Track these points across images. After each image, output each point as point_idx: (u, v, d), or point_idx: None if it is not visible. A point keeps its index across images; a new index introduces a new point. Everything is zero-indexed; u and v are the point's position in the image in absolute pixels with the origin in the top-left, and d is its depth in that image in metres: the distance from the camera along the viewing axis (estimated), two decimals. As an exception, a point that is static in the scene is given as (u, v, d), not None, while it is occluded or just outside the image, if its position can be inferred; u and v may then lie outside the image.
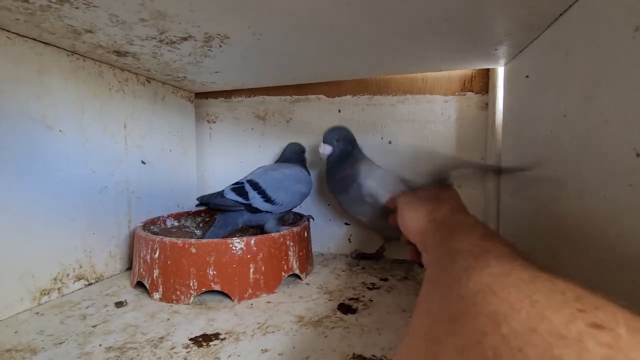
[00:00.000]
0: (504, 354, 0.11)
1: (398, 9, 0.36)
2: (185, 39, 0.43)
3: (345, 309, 0.43)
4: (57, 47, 0.45)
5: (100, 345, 0.35)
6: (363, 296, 0.48)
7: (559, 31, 0.39)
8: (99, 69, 0.52)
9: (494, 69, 0.62)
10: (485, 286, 0.14)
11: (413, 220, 0.34)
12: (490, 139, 0.63)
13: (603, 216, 0.31)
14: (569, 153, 0.37)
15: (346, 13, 0.37)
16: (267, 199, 0.54)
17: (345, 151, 0.60)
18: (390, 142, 0.70)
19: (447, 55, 0.54)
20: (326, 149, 0.59)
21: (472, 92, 0.66)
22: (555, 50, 0.40)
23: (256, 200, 0.53)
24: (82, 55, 0.49)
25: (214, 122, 0.79)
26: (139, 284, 0.49)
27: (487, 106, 0.65)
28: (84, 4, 0.34)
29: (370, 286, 0.52)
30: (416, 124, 0.69)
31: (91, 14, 0.36)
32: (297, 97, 0.74)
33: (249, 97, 0.76)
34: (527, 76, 0.49)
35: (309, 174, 0.64)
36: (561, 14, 0.38)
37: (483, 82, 0.66)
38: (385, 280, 0.54)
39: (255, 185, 0.54)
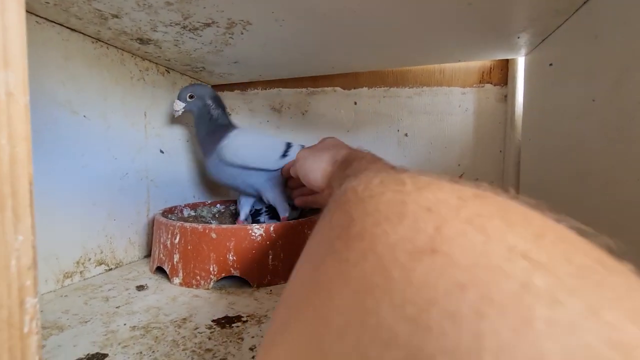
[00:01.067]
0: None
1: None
2: (208, 24, 0.44)
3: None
4: (82, 33, 0.46)
5: (124, 324, 0.35)
6: (382, 285, 0.47)
7: (587, 15, 0.39)
8: (121, 57, 0.52)
9: (513, 59, 0.62)
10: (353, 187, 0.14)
11: (317, 168, 0.35)
12: (509, 131, 0.62)
13: (637, 207, 0.31)
14: (597, 139, 0.37)
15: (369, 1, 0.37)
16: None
17: (204, 111, 0.57)
18: (406, 135, 0.69)
19: (468, 45, 0.54)
20: (177, 105, 0.56)
21: (491, 83, 0.66)
22: (583, 35, 0.40)
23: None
24: (106, 43, 0.49)
25: (230, 114, 0.79)
26: (159, 270, 0.49)
27: (506, 98, 0.64)
28: (114, -14, 0.34)
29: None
30: (433, 117, 0.68)
31: (120, -3, 0.36)
32: (312, 89, 0.74)
33: (265, 89, 0.77)
34: (550, 64, 0.48)
35: None
36: (591, -3, 0.37)
37: (502, 74, 0.65)
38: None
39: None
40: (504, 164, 0.65)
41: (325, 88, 0.73)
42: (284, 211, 0.55)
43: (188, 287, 0.45)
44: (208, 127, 0.57)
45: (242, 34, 0.47)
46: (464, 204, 0.10)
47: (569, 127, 0.43)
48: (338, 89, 0.73)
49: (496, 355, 0.07)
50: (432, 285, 0.08)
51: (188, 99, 0.56)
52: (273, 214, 0.59)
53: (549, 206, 0.11)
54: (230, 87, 0.78)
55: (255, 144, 0.57)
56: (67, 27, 0.44)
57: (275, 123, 0.77)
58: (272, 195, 0.56)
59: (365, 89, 0.71)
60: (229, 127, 0.57)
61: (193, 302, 0.41)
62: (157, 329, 0.34)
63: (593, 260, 0.09)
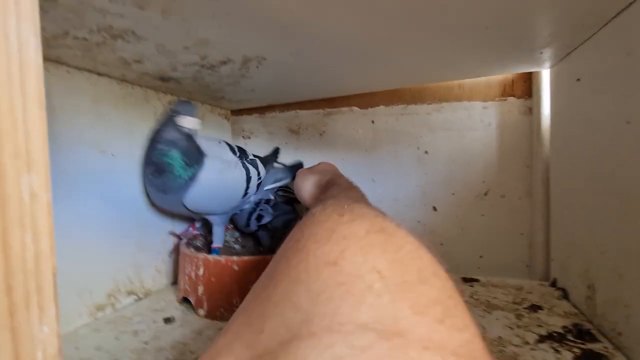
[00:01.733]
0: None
1: (441, 18, 0.35)
2: (224, 62, 0.45)
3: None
4: (109, 76, 0.48)
5: (152, 362, 0.36)
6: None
7: (618, 30, 0.37)
8: (145, 94, 0.55)
9: (537, 72, 0.59)
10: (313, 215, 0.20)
11: (305, 188, 0.44)
12: (536, 145, 0.60)
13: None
14: (635, 163, 0.34)
15: (388, 26, 0.37)
16: None
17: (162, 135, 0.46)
18: (426, 152, 0.68)
19: (488, 62, 0.52)
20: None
21: (514, 96, 0.63)
22: (613, 51, 0.37)
23: None
24: (131, 83, 0.52)
25: (249, 137, 0.81)
26: (185, 299, 0.50)
27: (531, 111, 0.62)
28: (134, 37, 0.36)
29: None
30: (453, 133, 0.66)
31: (140, 45, 0.38)
32: (329, 109, 0.74)
33: (283, 112, 0.78)
34: (578, 79, 0.46)
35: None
36: (620, 12, 0.35)
37: (525, 86, 0.63)
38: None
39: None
40: (531, 179, 0.62)
41: (342, 108, 0.73)
42: (219, 242, 0.56)
43: (213, 319, 0.46)
44: (160, 157, 0.47)
45: (257, 67, 0.48)
46: (366, 235, 0.16)
47: (602, 146, 0.41)
48: (355, 108, 0.73)
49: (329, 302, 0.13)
50: (327, 281, 0.14)
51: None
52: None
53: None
54: (249, 111, 0.80)
55: (220, 190, 0.52)
56: (95, 73, 0.47)
57: (294, 145, 0.77)
58: (218, 230, 0.56)
59: (382, 107, 0.71)
60: (189, 162, 0.48)
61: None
62: (183, 368, 0.35)
63: (417, 277, 0.14)
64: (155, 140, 0.47)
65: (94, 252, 0.46)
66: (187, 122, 0.47)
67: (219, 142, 0.57)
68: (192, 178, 0.47)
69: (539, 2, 0.33)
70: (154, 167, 0.47)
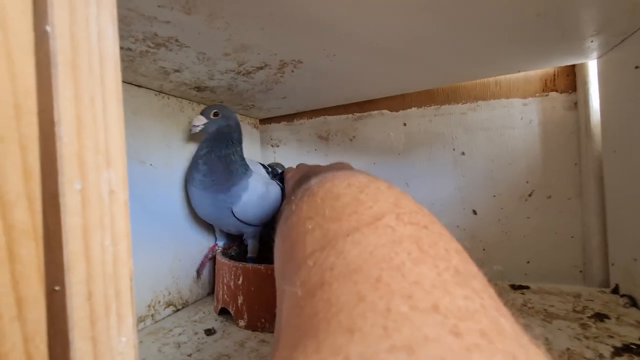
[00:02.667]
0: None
1: (490, 9, 0.34)
2: (261, 68, 0.45)
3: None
4: (147, 88, 0.49)
5: (198, 375, 0.35)
6: (458, 325, 0.43)
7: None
8: (180, 104, 0.56)
9: (582, 64, 0.56)
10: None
11: (290, 181, 0.42)
12: (584, 141, 0.56)
13: None
14: None
15: (433, 23, 0.35)
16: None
17: (225, 132, 0.50)
18: (463, 154, 0.65)
19: (530, 55, 0.49)
20: (197, 120, 0.50)
21: (556, 91, 0.60)
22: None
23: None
24: (167, 94, 0.53)
25: (278, 145, 0.81)
26: (223, 310, 0.49)
27: (577, 106, 0.58)
28: (177, 45, 0.36)
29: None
30: (492, 132, 0.64)
31: (182, 54, 0.38)
32: (359, 114, 0.73)
33: (311, 118, 0.77)
34: (637, 67, 0.42)
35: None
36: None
37: (568, 80, 0.59)
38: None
39: None
40: (581, 178, 0.58)
41: (372, 112, 0.72)
42: (253, 251, 0.57)
43: (254, 330, 0.44)
44: (221, 152, 0.50)
45: (292, 71, 0.47)
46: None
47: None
48: (385, 111, 0.71)
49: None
50: (304, 239, 0.16)
51: (212, 116, 0.50)
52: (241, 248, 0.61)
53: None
54: (277, 119, 0.80)
55: (265, 201, 0.53)
56: (136, 85, 0.47)
57: (324, 151, 0.76)
58: (252, 241, 0.57)
59: (414, 109, 0.69)
60: (244, 166, 0.52)
61: (261, 349, 0.40)
62: (230, 381, 0.33)
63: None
64: (212, 140, 0.50)
65: (135, 264, 0.46)
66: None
67: (251, 160, 0.59)
68: (246, 173, 0.52)
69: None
70: (211, 165, 0.49)
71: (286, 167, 0.70)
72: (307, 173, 0.32)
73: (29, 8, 0.10)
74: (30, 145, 0.10)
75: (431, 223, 0.14)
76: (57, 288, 0.11)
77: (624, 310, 0.44)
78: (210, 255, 0.59)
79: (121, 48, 0.35)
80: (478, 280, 0.12)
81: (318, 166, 0.38)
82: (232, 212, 0.50)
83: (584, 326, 0.41)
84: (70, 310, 0.11)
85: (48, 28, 0.11)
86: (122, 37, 0.33)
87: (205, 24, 0.32)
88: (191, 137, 0.56)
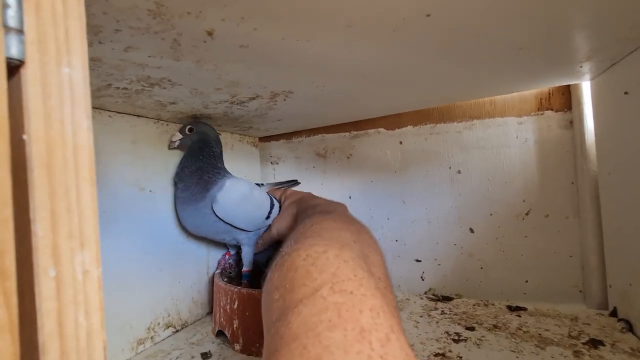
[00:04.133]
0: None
1: (470, 46, 0.34)
2: (253, 98, 0.46)
3: (432, 366, 0.40)
4: (146, 117, 0.51)
5: (192, 403, 0.36)
6: (450, 351, 0.43)
7: (668, 43, 0.34)
8: (179, 130, 0.57)
9: (576, 84, 0.56)
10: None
11: (284, 224, 0.50)
12: (581, 161, 0.56)
13: None
14: None
15: (412, 54, 0.36)
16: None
17: (197, 146, 0.52)
18: (459, 172, 0.65)
19: (522, 78, 0.50)
20: (174, 137, 0.53)
21: (552, 110, 0.60)
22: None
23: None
24: (165, 121, 0.54)
25: (277, 163, 0.82)
26: (220, 332, 0.50)
27: (572, 125, 0.58)
28: (170, 84, 0.38)
29: (456, 337, 0.47)
30: (487, 151, 0.64)
31: (175, 90, 0.40)
32: (355, 132, 0.74)
33: (309, 136, 0.78)
34: (626, 92, 0.42)
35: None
36: (670, 25, 0.33)
37: (564, 99, 0.59)
38: (472, 329, 0.49)
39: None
40: (578, 197, 0.57)
41: (369, 130, 0.73)
42: (248, 265, 0.57)
43: (249, 355, 0.45)
44: (194, 166, 0.51)
45: (284, 100, 0.48)
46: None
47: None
48: (382, 129, 0.72)
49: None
50: (272, 308, 0.19)
51: (187, 132, 0.53)
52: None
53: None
54: (276, 137, 0.81)
55: (247, 203, 0.54)
56: (134, 115, 0.49)
57: (321, 168, 0.77)
58: (247, 250, 0.57)
59: (410, 127, 0.69)
60: (219, 173, 0.53)
61: (254, 375, 0.40)
62: (222, 410, 0.34)
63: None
64: (186, 156, 0.53)
65: (134, 287, 0.48)
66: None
67: (245, 178, 0.60)
68: (222, 177, 0.52)
69: (579, 20, 0.31)
70: (186, 180, 0.51)
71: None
72: (303, 210, 0.42)
73: (5, 122, 0.12)
74: (7, 249, 0.11)
75: (358, 287, 0.17)
76: (31, 370, 0.12)
77: (620, 336, 0.44)
78: (222, 262, 0.61)
79: (118, 88, 0.37)
80: (379, 334, 0.15)
81: (309, 205, 0.45)
82: (215, 213, 0.51)
83: (577, 354, 0.41)
84: (43, 390, 0.12)
85: (25, 137, 0.12)
86: (117, 79, 0.35)
87: (194, 67, 0.33)
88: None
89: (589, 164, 0.54)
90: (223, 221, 0.51)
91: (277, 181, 0.76)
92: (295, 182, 0.74)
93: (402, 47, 0.34)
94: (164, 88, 0.38)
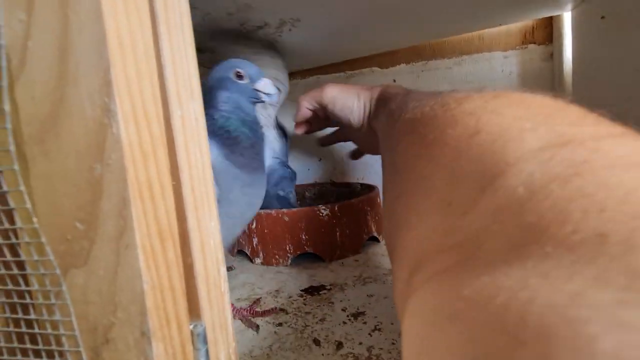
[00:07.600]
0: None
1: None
2: (261, 27, 0.47)
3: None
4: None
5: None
6: (443, 251, 0.51)
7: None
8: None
9: (558, 16, 0.60)
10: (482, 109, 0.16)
11: (352, 105, 0.38)
12: (557, 90, 0.61)
13: None
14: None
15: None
16: None
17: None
18: (449, 106, 0.70)
19: (510, 6, 0.53)
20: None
21: (534, 43, 0.64)
22: (639, -15, 0.39)
23: None
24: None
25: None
26: (239, 252, 0.56)
27: (552, 57, 0.63)
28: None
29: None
30: (474, 85, 0.68)
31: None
32: (350, 72, 0.76)
33: (304, 78, 0.80)
34: (602, 17, 0.47)
35: None
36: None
37: (546, 32, 0.63)
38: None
39: None
40: (553, 124, 0.64)
41: (363, 69, 0.75)
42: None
43: (269, 265, 0.51)
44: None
45: (290, 30, 0.50)
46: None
47: (628, 81, 0.43)
48: (376, 68, 0.74)
49: None
50: (521, 137, 0.13)
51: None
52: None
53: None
54: (272, 80, 0.82)
55: None
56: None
57: (318, 109, 0.80)
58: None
59: (403, 65, 0.72)
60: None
61: (278, 277, 0.46)
62: (258, 297, 0.40)
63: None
64: None
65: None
66: None
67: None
68: None
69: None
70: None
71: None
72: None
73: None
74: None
75: None
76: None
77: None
78: None
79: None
80: None
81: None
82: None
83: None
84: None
85: None
86: None
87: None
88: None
89: (565, 93, 0.60)
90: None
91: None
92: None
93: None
94: (179, 12, 0.39)
